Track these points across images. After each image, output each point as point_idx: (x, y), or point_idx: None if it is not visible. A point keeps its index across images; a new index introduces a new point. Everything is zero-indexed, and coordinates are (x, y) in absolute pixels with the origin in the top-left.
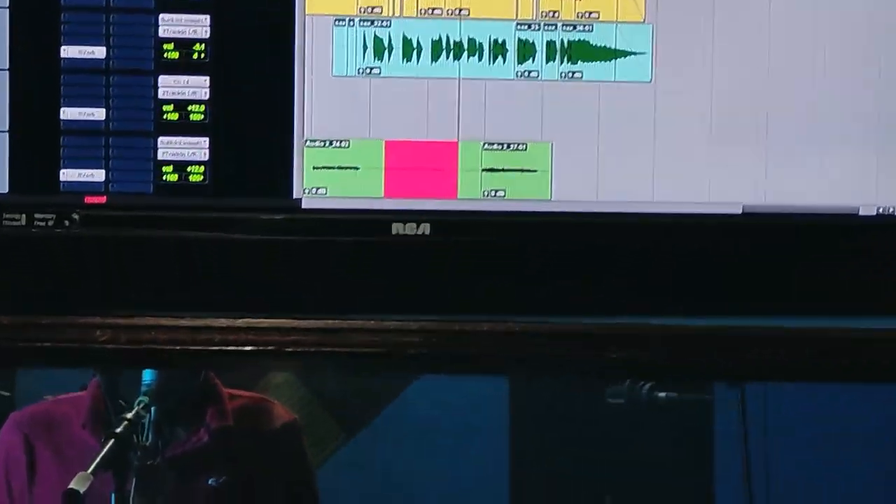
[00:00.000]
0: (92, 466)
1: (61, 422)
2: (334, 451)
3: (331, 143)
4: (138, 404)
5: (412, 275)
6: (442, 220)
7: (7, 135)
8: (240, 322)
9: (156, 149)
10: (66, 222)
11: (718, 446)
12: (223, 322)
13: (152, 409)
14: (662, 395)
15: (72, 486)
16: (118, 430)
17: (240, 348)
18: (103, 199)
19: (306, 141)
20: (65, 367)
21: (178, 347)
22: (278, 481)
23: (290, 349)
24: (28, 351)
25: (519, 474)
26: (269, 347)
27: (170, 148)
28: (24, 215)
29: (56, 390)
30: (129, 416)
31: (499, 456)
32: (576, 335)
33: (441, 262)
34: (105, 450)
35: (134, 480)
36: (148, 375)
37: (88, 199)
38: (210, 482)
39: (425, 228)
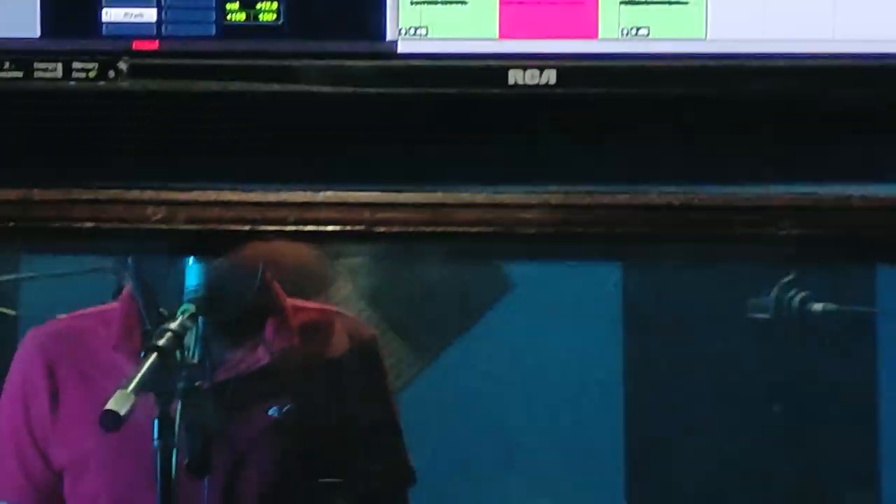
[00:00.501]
0: (132, 385)
1: (88, 340)
2: (409, 381)
3: None
4: (182, 314)
5: (532, 135)
6: (570, 67)
7: None
8: (321, 196)
9: None
10: (111, 73)
11: (884, 368)
12: (301, 196)
13: (199, 320)
14: (818, 307)
15: (110, 406)
16: (160, 342)
17: (321, 228)
18: (155, 45)
19: None
20: (108, 253)
21: (246, 227)
22: (353, 411)
23: (381, 229)
24: (66, 232)
25: (635, 403)
26: (357, 227)
27: None
28: (59, 65)
29: (69, 308)
30: (173, 326)
31: (610, 388)
32: (740, 208)
33: (568, 118)
34: (146, 367)
35: (179, 406)
36: (193, 278)
37: (137, 45)
38: (270, 412)
39: (549, 77)
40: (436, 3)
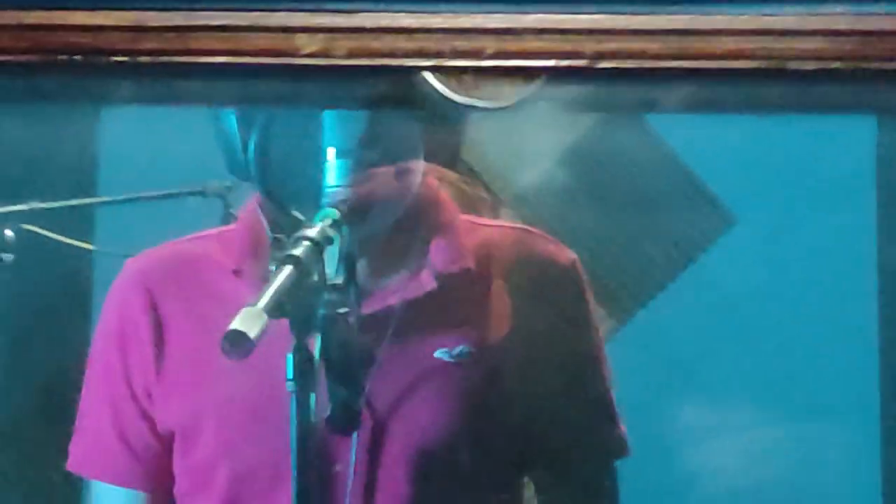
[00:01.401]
0: (262, 301)
1: (200, 267)
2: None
3: None
4: (322, 220)
5: None
6: None
7: None
8: (528, 20)
9: None
10: None
11: None
12: (502, 20)
13: (343, 230)
14: None
15: (235, 326)
16: (296, 251)
17: (528, 63)
18: None
19: None
20: (240, 102)
21: (429, 63)
22: (546, 358)
23: (607, 64)
24: (188, 68)
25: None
26: (576, 62)
27: None
28: None
29: (152, 243)
30: (312, 234)
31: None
32: None
33: None
34: (279, 279)
35: (319, 338)
36: (335, 176)
37: None
38: (437, 354)
39: None
40: None
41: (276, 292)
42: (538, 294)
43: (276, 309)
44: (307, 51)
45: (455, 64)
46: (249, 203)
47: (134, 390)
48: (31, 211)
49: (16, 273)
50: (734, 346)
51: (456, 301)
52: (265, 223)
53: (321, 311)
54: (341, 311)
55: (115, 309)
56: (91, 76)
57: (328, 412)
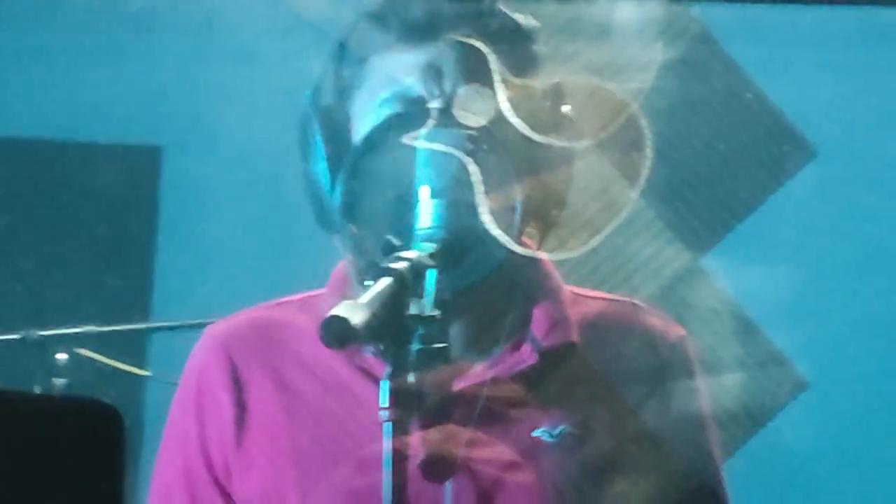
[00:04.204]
0: (365, 298)
1: (285, 333)
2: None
3: None
4: (421, 251)
5: None
6: None
7: None
8: None
9: None
10: None
11: None
12: None
13: (439, 269)
14: None
15: (337, 312)
16: (396, 265)
17: None
18: None
19: None
20: None
21: None
22: (652, 440)
23: None
24: None
25: None
26: None
27: None
28: None
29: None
30: (411, 256)
31: None
32: None
33: None
34: (380, 287)
35: (411, 372)
36: (430, 216)
37: None
38: (538, 433)
39: None
40: None
41: (378, 294)
42: (645, 372)
43: (375, 315)
44: None
45: None
46: (338, 266)
47: (212, 463)
48: (86, 334)
49: None
50: None
51: (558, 377)
52: (354, 284)
53: (417, 345)
54: (438, 346)
55: (194, 377)
56: None
57: (423, 456)
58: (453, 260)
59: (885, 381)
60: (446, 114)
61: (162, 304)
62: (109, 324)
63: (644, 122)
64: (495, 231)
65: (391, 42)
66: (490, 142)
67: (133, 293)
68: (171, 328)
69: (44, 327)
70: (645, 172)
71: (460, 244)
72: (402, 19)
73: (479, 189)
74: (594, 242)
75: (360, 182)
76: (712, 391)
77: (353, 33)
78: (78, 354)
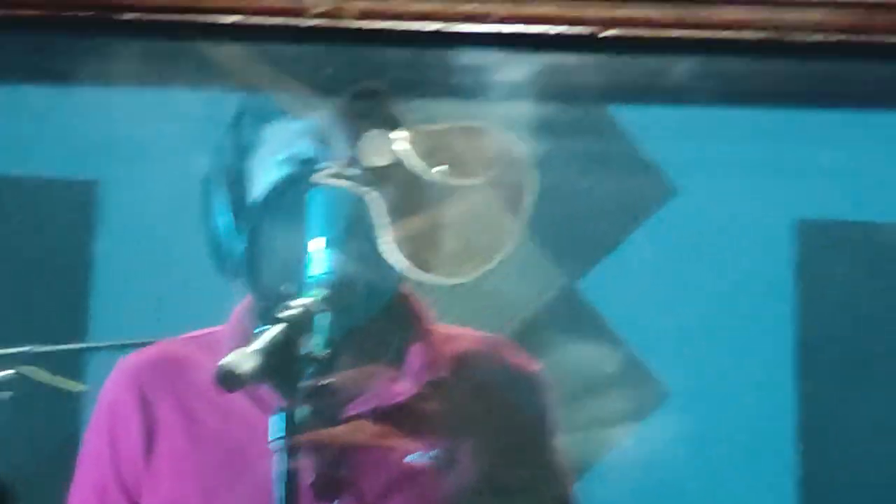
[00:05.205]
0: (253, 346)
1: (189, 367)
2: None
3: None
4: (311, 296)
5: None
6: None
7: None
8: None
9: None
10: None
11: None
12: None
13: (327, 313)
14: None
15: (227, 362)
16: (286, 314)
17: (534, 29)
18: None
19: None
20: (241, 76)
21: (436, 26)
22: (512, 459)
23: (615, 32)
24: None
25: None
26: (582, 29)
27: None
28: None
29: None
30: (300, 303)
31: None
32: None
33: None
34: (271, 335)
35: (302, 407)
36: (320, 264)
37: None
38: (414, 458)
39: None
40: None
41: (267, 342)
42: (506, 401)
43: (264, 360)
44: (317, 11)
45: (462, 29)
46: (238, 306)
47: (122, 476)
48: (28, 353)
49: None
50: None
51: (431, 408)
52: (252, 323)
53: (305, 382)
54: (325, 381)
55: (107, 404)
56: (99, 33)
57: (312, 478)
58: (342, 304)
59: (740, 395)
60: (341, 164)
61: (97, 328)
62: (49, 343)
63: (529, 163)
64: (393, 258)
65: (287, 109)
66: (386, 180)
67: (70, 316)
68: (105, 348)
69: None
70: (529, 208)
71: (348, 289)
72: (296, 94)
73: (378, 221)
74: (486, 268)
75: (258, 234)
76: (579, 405)
77: (252, 103)
78: (21, 372)
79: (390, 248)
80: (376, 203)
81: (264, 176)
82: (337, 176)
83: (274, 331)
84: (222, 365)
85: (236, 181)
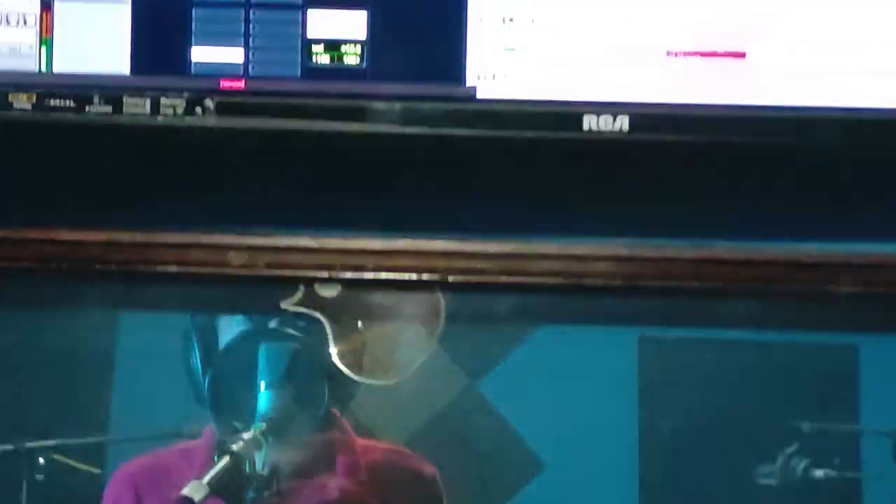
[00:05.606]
0: (206, 477)
1: (173, 473)
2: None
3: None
4: (255, 429)
5: (606, 183)
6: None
7: (130, 5)
8: (400, 243)
9: (304, 24)
10: (198, 110)
11: None
12: (379, 244)
13: (269, 439)
14: (819, 473)
15: (185, 492)
16: (234, 447)
17: (398, 276)
18: (242, 84)
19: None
20: (187, 304)
21: (326, 274)
22: None
23: (458, 278)
24: (147, 276)
25: None
26: (433, 276)
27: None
28: (147, 101)
29: None
30: (246, 436)
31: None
32: (801, 265)
33: (639, 166)
34: (220, 465)
35: None
36: (265, 402)
37: (224, 84)
38: None
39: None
40: (513, 49)
41: (216, 472)
42: (408, 499)
43: (215, 489)
44: (237, 263)
45: (344, 276)
46: (206, 431)
47: None
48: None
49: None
50: None
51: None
52: (217, 439)
53: (251, 495)
54: (266, 494)
55: (111, 500)
56: (74, 281)
57: None
58: (281, 433)
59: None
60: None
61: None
62: (75, 437)
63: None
64: (342, 364)
65: None
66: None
67: (94, 413)
68: (124, 441)
69: (27, 440)
70: (441, 327)
71: (287, 422)
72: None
73: (331, 337)
74: (407, 373)
75: (220, 377)
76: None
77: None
78: (52, 458)
79: (338, 359)
80: (328, 325)
81: (227, 332)
82: (272, 335)
83: (222, 461)
84: (182, 494)
85: (207, 335)
